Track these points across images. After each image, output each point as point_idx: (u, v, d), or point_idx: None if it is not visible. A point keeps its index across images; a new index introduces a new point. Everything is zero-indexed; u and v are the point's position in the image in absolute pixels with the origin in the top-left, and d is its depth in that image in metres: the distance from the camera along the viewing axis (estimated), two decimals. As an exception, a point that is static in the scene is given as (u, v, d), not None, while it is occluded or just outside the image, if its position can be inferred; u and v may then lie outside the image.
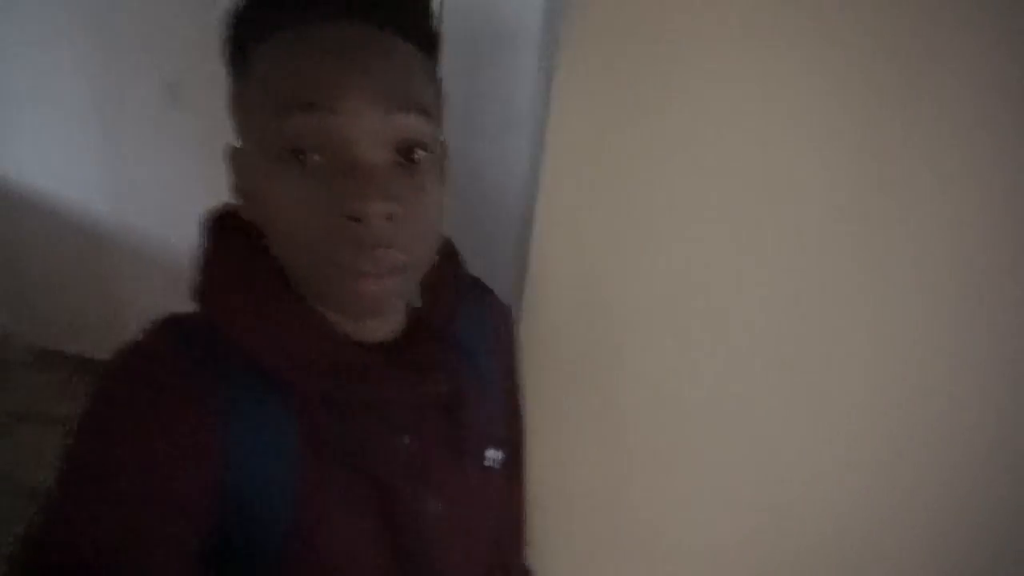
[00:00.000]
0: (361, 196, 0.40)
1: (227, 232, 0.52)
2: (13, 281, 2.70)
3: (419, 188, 0.44)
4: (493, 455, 0.60)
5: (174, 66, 2.38)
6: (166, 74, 2.39)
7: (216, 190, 2.24)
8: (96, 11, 2.33)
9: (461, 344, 0.58)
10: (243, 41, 0.46)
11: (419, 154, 0.44)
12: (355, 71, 0.41)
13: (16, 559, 0.38)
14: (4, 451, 2.22)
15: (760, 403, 0.86)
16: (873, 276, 0.76)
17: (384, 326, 0.54)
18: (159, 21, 2.33)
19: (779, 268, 0.79)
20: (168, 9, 2.31)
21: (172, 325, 0.50)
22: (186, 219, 2.53)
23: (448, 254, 0.59)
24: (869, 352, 0.79)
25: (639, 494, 0.95)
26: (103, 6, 2.32)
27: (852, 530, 0.88)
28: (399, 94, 0.43)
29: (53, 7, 2.35)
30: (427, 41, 0.48)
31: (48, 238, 2.63)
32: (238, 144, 0.50)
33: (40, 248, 2.65)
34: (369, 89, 0.42)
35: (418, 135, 0.44)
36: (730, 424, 0.88)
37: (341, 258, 0.42)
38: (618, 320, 0.87)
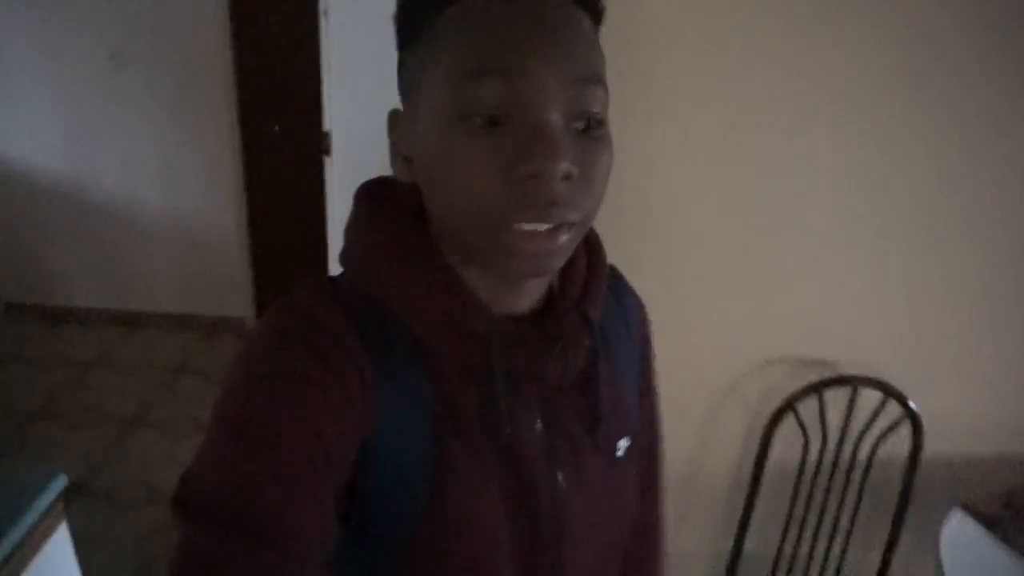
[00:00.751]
0: (544, 155, 0.41)
1: (377, 201, 0.53)
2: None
3: (593, 153, 0.45)
4: (624, 444, 0.60)
5: (118, 37, 2.60)
6: (111, 44, 2.61)
7: (162, 145, 2.58)
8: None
9: (601, 328, 0.58)
10: (426, 9, 0.46)
11: (594, 122, 0.45)
12: (546, 40, 0.42)
13: (176, 492, 0.42)
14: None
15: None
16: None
17: (528, 299, 0.54)
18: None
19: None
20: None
21: (325, 287, 0.51)
22: (136, 171, 2.77)
23: (589, 239, 0.59)
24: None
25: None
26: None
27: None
28: (583, 64, 0.44)
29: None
30: (599, 13, 0.49)
31: (10, 199, 2.85)
32: (402, 108, 0.50)
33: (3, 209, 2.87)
34: (558, 57, 0.42)
35: (596, 105, 0.45)
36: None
37: (517, 214, 0.43)
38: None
